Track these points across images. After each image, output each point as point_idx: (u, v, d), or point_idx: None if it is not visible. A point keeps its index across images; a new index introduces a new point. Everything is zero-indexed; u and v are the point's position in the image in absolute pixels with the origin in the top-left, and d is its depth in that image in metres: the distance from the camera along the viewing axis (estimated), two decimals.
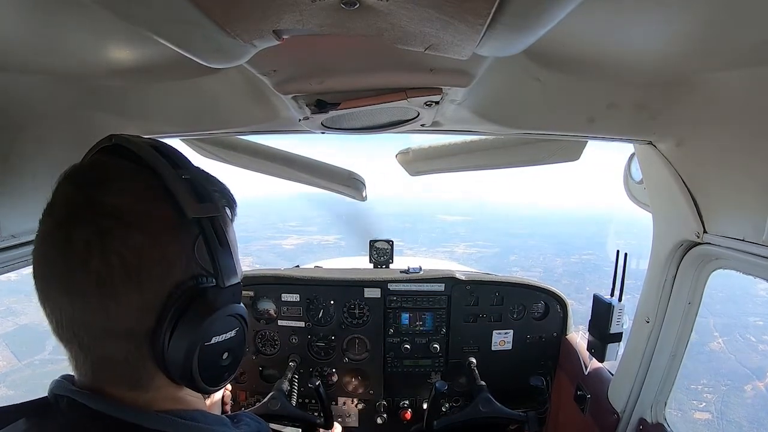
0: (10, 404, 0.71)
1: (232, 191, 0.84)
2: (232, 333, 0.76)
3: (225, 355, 0.76)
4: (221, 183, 0.82)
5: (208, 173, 0.78)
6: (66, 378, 0.73)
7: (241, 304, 0.78)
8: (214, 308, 0.71)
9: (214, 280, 0.72)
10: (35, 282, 0.68)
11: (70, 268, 0.64)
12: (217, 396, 2.14)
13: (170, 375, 0.71)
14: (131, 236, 0.65)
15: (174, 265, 0.69)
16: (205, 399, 2.16)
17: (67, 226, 0.65)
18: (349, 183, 2.38)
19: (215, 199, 0.74)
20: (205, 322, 0.70)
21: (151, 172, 0.69)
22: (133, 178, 0.69)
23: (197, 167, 0.76)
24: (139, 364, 0.70)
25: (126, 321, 0.67)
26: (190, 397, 0.79)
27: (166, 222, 0.69)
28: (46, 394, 0.72)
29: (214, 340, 0.73)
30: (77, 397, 0.68)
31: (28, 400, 0.73)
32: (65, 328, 0.67)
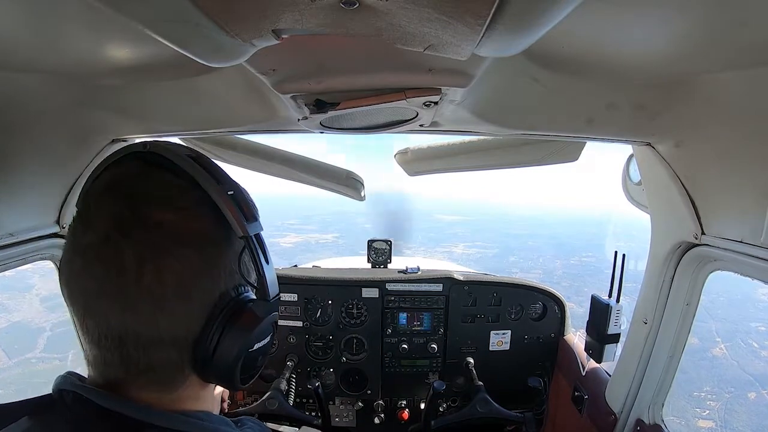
0: (13, 402, 0.70)
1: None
2: (268, 338, 0.82)
3: (261, 358, 0.82)
4: (252, 198, 0.84)
5: (241, 186, 0.79)
6: (72, 374, 0.73)
7: (277, 312, 0.82)
8: (260, 318, 0.75)
9: (259, 292, 0.77)
10: (71, 295, 0.68)
11: (120, 284, 0.65)
12: (217, 392, 2.14)
13: (206, 376, 0.74)
14: (183, 254, 0.67)
15: (220, 277, 0.72)
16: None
17: (116, 242, 0.65)
18: (347, 183, 2.38)
19: (257, 216, 0.77)
20: (254, 332, 0.75)
21: (198, 187, 0.70)
22: (181, 193, 0.70)
23: (234, 180, 0.77)
24: (177, 369, 0.72)
25: (174, 330, 0.68)
26: (208, 395, 0.83)
27: (216, 239, 0.72)
28: (50, 392, 0.72)
29: (257, 346, 0.78)
30: (83, 393, 0.68)
31: (31, 397, 0.72)
32: (111, 339, 0.67)
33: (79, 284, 0.67)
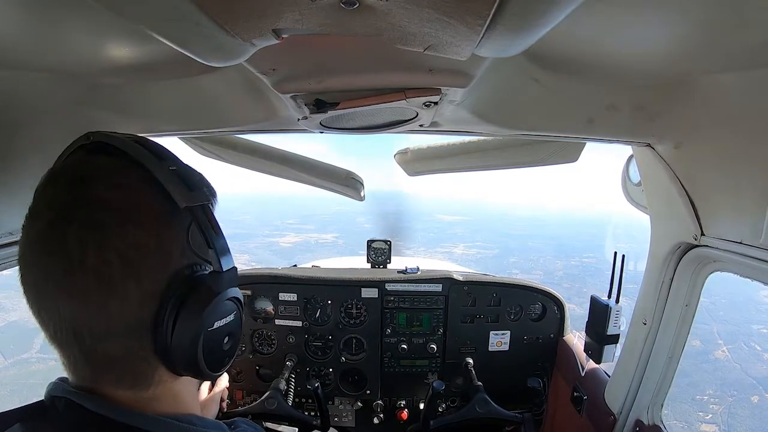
0: (7, 410, 0.70)
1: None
2: (231, 317, 0.77)
3: (226, 340, 0.78)
4: (201, 174, 0.82)
5: (189, 165, 0.78)
6: (63, 380, 0.71)
7: (237, 288, 0.79)
8: (214, 293, 0.72)
9: (210, 266, 0.74)
10: (26, 290, 0.66)
11: (67, 270, 0.63)
12: (217, 391, 2.14)
13: (173, 365, 0.71)
14: (126, 230, 0.65)
15: (170, 255, 0.69)
16: (200, 396, 2.16)
17: (58, 228, 0.63)
18: (347, 183, 2.38)
19: (203, 187, 0.74)
20: (208, 307, 0.71)
21: (139, 165, 0.69)
22: (120, 172, 0.68)
23: (178, 158, 0.75)
24: (140, 359, 0.69)
25: (127, 316, 0.66)
26: (187, 394, 0.80)
27: (159, 213, 0.69)
28: (42, 398, 0.71)
29: (216, 325, 0.74)
30: (75, 398, 0.67)
31: (22, 404, 0.71)
32: (65, 331, 0.65)
33: (30, 277, 0.66)
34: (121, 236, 0.64)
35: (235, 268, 0.78)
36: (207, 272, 0.73)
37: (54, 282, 0.63)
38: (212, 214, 0.75)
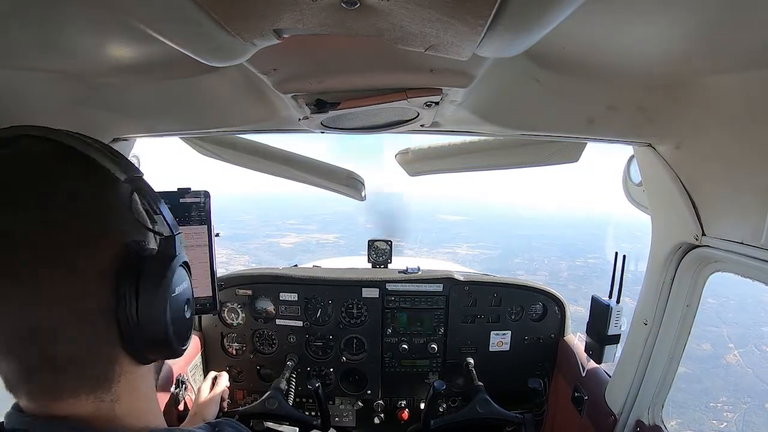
0: None
1: None
2: (186, 283, 0.75)
3: (186, 308, 0.75)
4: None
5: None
6: (16, 408, 0.66)
7: (184, 253, 0.76)
8: (170, 258, 0.70)
9: (157, 235, 0.71)
10: None
11: (10, 273, 0.58)
12: (217, 392, 2.15)
13: (139, 349, 0.68)
14: (73, 207, 0.62)
15: (117, 228, 0.67)
16: (200, 397, 2.16)
17: None
18: (348, 183, 2.38)
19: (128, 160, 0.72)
20: (168, 273, 0.69)
21: (66, 149, 0.66)
22: (48, 159, 0.65)
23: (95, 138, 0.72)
24: (105, 356, 0.66)
25: (87, 301, 0.62)
26: (148, 387, 0.76)
27: (99, 190, 0.67)
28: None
29: (177, 290, 0.71)
30: (32, 429, 0.62)
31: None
32: (20, 336, 0.60)
33: None
34: (64, 222, 0.61)
35: (180, 233, 0.75)
36: (159, 238, 0.71)
37: (2, 282, 0.59)
38: (147, 182, 0.72)
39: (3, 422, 0.65)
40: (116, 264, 0.64)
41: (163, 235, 0.71)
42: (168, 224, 0.71)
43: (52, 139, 0.66)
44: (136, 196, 0.70)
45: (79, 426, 0.63)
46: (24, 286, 0.59)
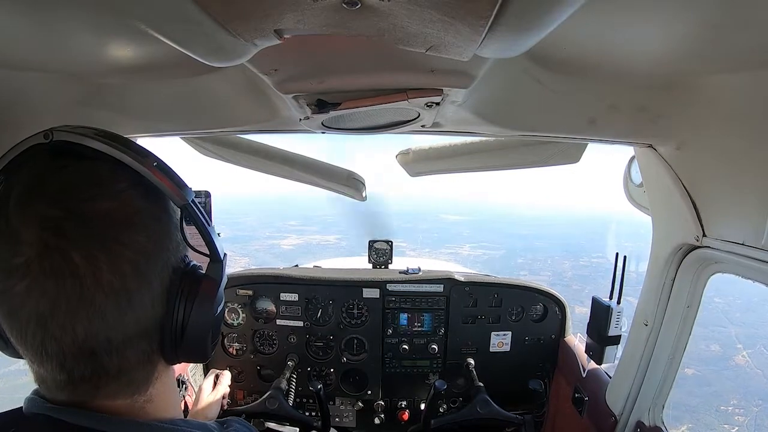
0: None
1: None
2: (223, 302, 0.81)
3: (220, 322, 0.82)
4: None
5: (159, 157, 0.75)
6: (38, 394, 0.67)
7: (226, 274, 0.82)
8: (218, 282, 0.75)
9: (211, 255, 0.76)
10: (19, 326, 0.60)
11: (80, 292, 0.58)
12: (219, 394, 2.15)
13: (176, 356, 0.72)
14: (132, 239, 0.63)
15: (170, 253, 0.69)
16: (201, 397, 2.16)
17: (57, 248, 0.57)
18: (348, 183, 2.38)
19: (184, 182, 0.73)
20: (218, 296, 0.75)
21: (122, 166, 0.65)
22: (109, 177, 0.65)
23: (150, 151, 0.72)
24: (149, 362, 0.70)
25: (141, 322, 0.65)
26: (172, 384, 0.81)
27: (157, 215, 0.68)
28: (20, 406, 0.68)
29: (218, 309, 0.77)
30: (54, 414, 0.64)
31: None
32: (78, 355, 0.61)
33: (28, 310, 0.58)
34: (129, 246, 0.62)
35: (226, 255, 0.80)
36: (209, 263, 0.76)
37: (67, 308, 0.58)
38: (199, 206, 0.74)
39: (21, 407, 0.68)
40: (168, 284, 0.68)
41: (212, 259, 0.76)
42: (217, 251, 0.76)
43: (105, 155, 0.66)
44: (184, 220, 0.73)
45: (96, 417, 0.66)
46: (94, 315, 0.60)
